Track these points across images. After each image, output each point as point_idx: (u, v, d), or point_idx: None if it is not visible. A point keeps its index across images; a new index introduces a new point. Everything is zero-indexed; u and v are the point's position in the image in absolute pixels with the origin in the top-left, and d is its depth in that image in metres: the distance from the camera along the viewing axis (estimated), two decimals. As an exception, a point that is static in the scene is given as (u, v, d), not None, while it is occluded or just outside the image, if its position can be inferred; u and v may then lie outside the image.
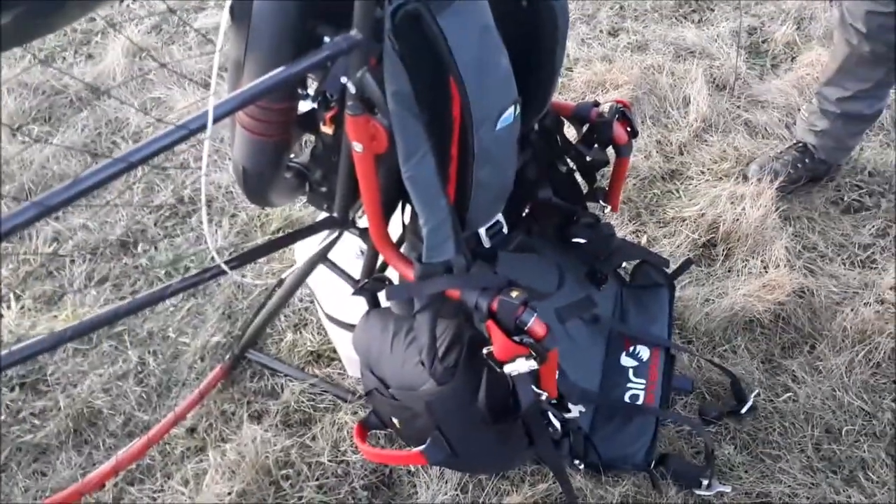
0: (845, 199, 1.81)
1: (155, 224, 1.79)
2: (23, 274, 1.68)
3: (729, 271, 1.64)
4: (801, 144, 1.82)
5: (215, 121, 0.68)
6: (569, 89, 2.11)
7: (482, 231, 1.02)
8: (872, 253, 1.69)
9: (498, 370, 0.94)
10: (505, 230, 1.06)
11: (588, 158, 1.24)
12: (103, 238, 1.74)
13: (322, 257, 1.13)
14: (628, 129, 1.20)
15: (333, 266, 1.13)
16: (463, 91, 0.80)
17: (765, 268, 1.62)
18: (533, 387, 1.00)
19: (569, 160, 1.28)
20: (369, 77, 0.82)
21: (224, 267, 0.90)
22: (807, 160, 1.80)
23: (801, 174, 1.81)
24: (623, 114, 1.19)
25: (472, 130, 0.83)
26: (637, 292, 1.49)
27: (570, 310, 1.34)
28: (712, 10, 2.41)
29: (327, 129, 0.93)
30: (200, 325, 1.57)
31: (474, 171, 0.88)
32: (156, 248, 1.73)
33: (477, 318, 0.92)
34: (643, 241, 1.71)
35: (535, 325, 0.89)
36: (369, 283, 1.09)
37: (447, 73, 0.80)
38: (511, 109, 0.86)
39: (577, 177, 1.31)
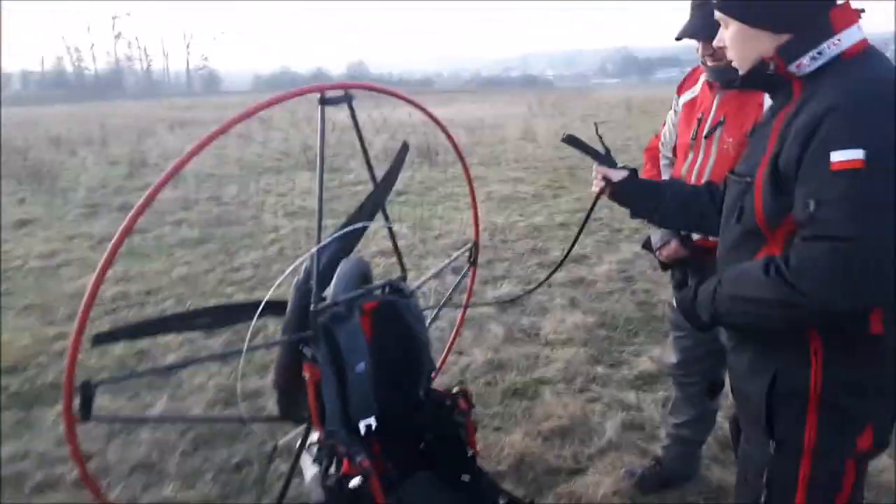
0: (687, 501, 2.58)
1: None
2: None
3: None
4: (656, 456, 2.70)
5: (247, 351, 2.03)
6: (532, 419, 3.20)
7: (361, 425, 2.17)
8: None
9: (349, 485, 1.99)
10: (373, 427, 2.18)
11: (455, 419, 2.36)
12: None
13: (303, 444, 2.31)
14: (466, 403, 2.33)
15: (307, 447, 2.30)
16: (342, 356, 2.09)
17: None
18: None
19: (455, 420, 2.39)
20: (314, 348, 2.13)
21: (243, 414, 2.14)
22: (658, 467, 2.66)
23: (654, 478, 2.64)
24: (465, 395, 2.34)
25: (345, 371, 2.09)
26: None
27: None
28: (665, 385, 3.46)
29: (306, 373, 2.22)
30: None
31: (348, 390, 2.10)
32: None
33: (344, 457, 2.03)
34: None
35: (362, 461, 1.98)
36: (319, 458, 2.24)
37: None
38: (362, 364, 2.11)
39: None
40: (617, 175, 1.87)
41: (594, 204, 2.03)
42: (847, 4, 1.36)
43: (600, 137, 2.03)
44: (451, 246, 5.90)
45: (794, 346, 1.38)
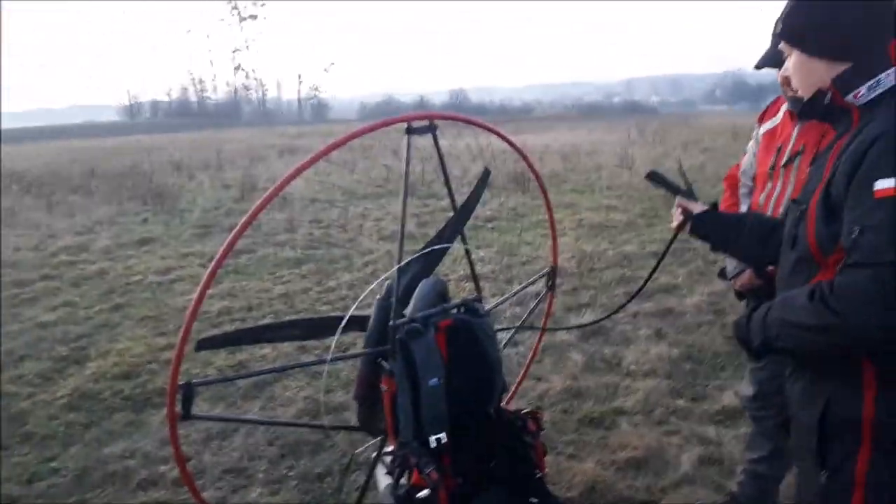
0: (764, 539, 2.50)
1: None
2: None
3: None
4: (731, 492, 2.63)
5: (330, 362, 2.18)
6: (606, 449, 3.19)
7: (432, 439, 2.26)
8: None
9: (416, 495, 2.09)
10: (444, 440, 2.27)
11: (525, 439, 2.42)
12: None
13: (378, 455, 2.43)
14: (535, 424, 2.37)
15: (381, 458, 2.42)
16: (417, 370, 2.20)
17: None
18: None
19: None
20: (392, 362, 2.26)
21: (326, 423, 2.29)
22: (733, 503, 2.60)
23: (730, 515, 2.58)
24: (535, 416, 2.39)
25: (419, 385, 2.19)
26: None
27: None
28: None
29: (383, 386, 2.35)
30: None
31: (421, 403, 2.20)
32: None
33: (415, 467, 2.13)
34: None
35: (431, 472, 2.07)
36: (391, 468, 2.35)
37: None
38: (436, 379, 2.20)
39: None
40: (697, 208, 1.90)
41: (674, 237, 2.07)
42: None
43: (683, 174, 2.07)
44: (537, 272, 5.92)
45: (847, 374, 1.37)
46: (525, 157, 2.94)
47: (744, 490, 2.58)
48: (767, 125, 2.29)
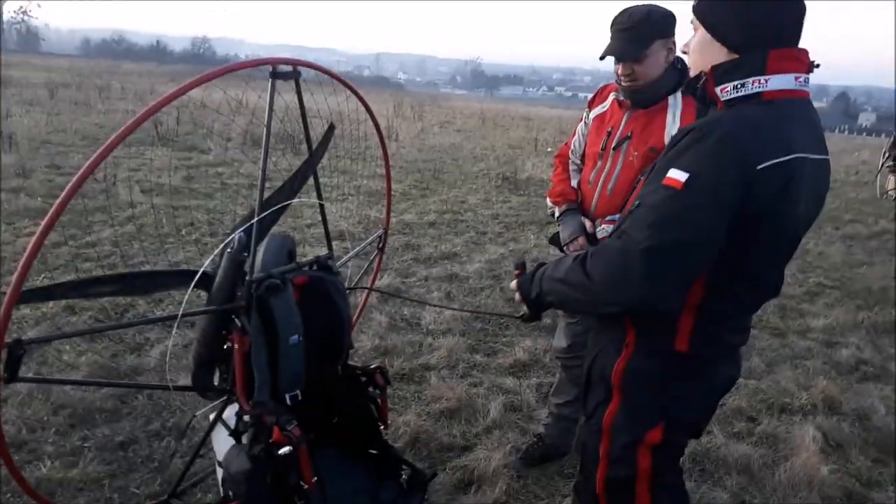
0: (565, 472, 2.89)
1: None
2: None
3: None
4: (538, 434, 2.99)
5: (182, 317, 2.02)
6: (421, 401, 3.37)
7: (287, 396, 2.22)
8: (566, 497, 2.71)
9: (277, 452, 2.05)
10: (299, 397, 2.25)
11: (370, 394, 2.48)
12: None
13: (219, 416, 2.31)
14: (383, 379, 2.45)
15: (223, 421, 2.30)
16: (277, 327, 2.14)
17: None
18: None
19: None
20: (245, 319, 2.16)
21: (170, 384, 2.12)
22: (539, 444, 2.94)
23: (535, 453, 2.92)
24: (382, 371, 2.46)
25: (278, 342, 2.14)
26: (406, 489, 2.52)
27: (359, 494, 2.42)
28: (538, 372, 3.77)
29: (234, 343, 2.23)
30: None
31: (279, 361, 2.15)
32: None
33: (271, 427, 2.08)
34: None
35: (293, 429, 2.04)
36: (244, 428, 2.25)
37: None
38: (296, 336, 2.17)
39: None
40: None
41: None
42: (790, 52, 1.41)
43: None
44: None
45: (614, 334, 1.59)
46: (374, 119, 3.00)
47: (550, 431, 2.94)
48: (597, 110, 2.59)
